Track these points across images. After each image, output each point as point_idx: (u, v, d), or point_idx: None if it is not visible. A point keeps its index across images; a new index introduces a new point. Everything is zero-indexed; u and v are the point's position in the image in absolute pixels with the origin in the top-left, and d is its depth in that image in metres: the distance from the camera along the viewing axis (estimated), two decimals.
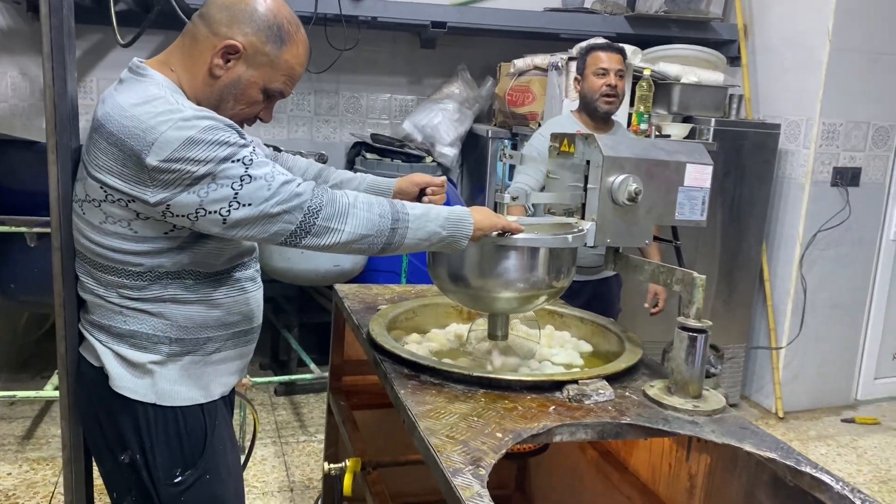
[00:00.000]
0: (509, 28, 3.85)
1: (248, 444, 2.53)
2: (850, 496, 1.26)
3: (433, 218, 1.46)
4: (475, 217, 1.51)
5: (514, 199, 1.70)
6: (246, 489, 2.75)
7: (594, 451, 2.09)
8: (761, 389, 3.86)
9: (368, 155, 3.94)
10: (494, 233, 1.55)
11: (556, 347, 1.93)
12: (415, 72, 4.35)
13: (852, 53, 3.49)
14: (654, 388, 1.62)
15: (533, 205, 2.22)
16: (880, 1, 3.49)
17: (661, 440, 1.84)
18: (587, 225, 1.70)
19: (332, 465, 1.87)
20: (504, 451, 1.33)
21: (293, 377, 3.37)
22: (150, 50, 3.71)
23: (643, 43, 3.70)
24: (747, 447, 1.43)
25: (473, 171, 4.18)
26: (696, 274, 1.62)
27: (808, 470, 1.34)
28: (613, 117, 2.74)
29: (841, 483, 1.30)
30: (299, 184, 1.32)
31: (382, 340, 1.70)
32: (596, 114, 2.64)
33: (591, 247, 1.72)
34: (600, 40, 3.22)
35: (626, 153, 1.72)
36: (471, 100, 4.14)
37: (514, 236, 1.58)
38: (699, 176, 1.91)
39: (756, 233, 3.66)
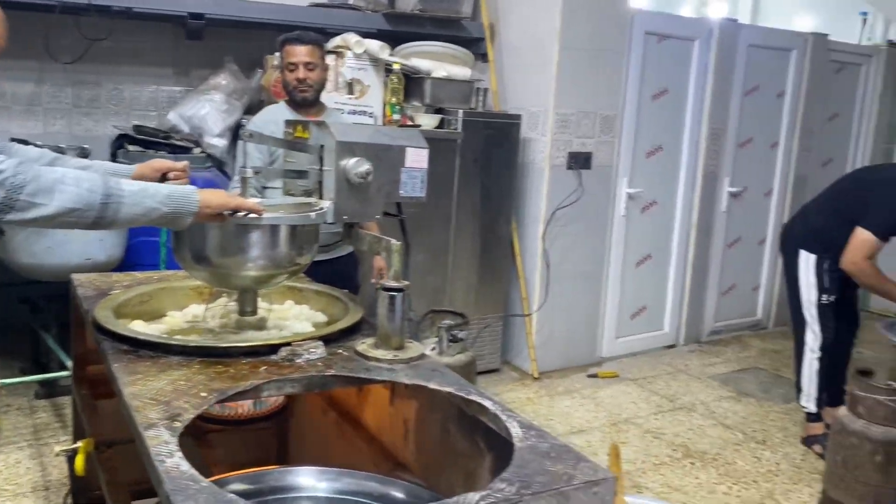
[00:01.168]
0: (272, 21, 3.93)
1: None
2: (500, 413, 1.52)
3: (152, 195, 1.55)
4: (203, 196, 1.62)
5: (253, 173, 1.85)
6: None
7: (334, 412, 2.27)
8: (519, 354, 4.28)
9: (131, 147, 3.87)
10: (241, 213, 1.66)
11: (291, 320, 2.08)
12: (181, 63, 4.30)
13: (578, 51, 3.96)
14: (364, 345, 1.82)
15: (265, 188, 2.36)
16: (600, 4, 3.99)
17: (383, 395, 2.05)
18: (326, 204, 1.87)
19: (62, 448, 1.89)
20: (205, 407, 1.45)
21: (49, 376, 3.26)
22: None
23: (401, 39, 3.95)
24: (432, 385, 1.67)
25: None
26: (393, 242, 1.84)
27: (474, 398, 1.59)
28: (324, 101, 2.98)
29: (495, 405, 1.56)
30: (1, 161, 1.37)
31: (104, 321, 1.75)
32: (297, 101, 2.85)
33: (329, 223, 1.89)
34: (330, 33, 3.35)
35: (356, 138, 1.90)
36: (239, 91, 4.18)
37: (256, 215, 1.70)
38: (418, 158, 2.13)
39: (506, 212, 4.05)
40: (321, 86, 2.90)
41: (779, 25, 5.41)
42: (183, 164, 1.89)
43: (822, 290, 3.37)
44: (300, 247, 1.86)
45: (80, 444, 1.88)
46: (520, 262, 4.17)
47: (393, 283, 1.79)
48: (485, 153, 3.89)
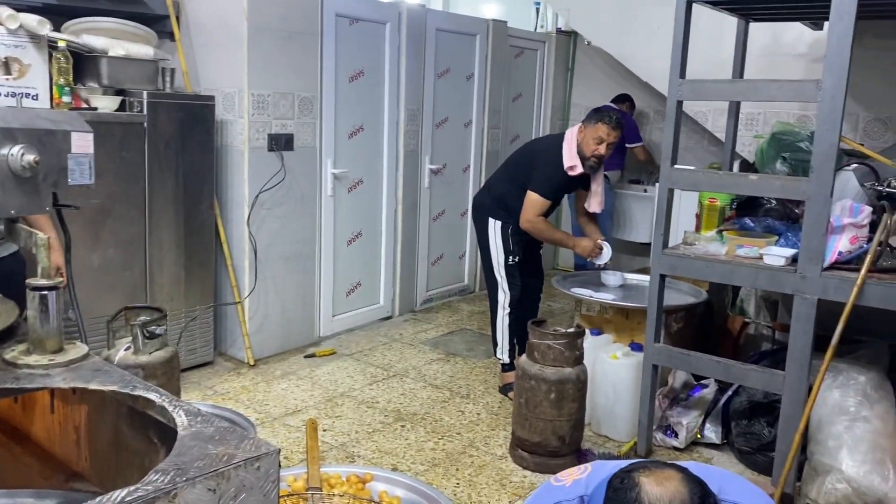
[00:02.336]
0: None
1: None
2: (167, 405, 1.47)
3: None
4: None
5: None
6: None
7: None
8: (234, 343, 4.17)
9: None
10: None
11: None
12: None
13: (269, 32, 3.91)
14: (14, 352, 1.64)
15: None
16: None
17: (45, 402, 1.88)
18: None
19: None
20: None
21: None
22: None
23: (71, 14, 3.58)
24: (93, 385, 1.56)
25: None
26: (41, 235, 1.69)
27: (139, 393, 1.52)
28: None
29: (161, 397, 1.50)
30: None
31: None
32: None
33: None
34: None
35: (15, 124, 1.70)
36: None
37: None
38: (83, 143, 1.96)
39: (207, 198, 3.90)
40: None
41: (468, 13, 5.83)
42: None
43: (508, 252, 3.74)
44: None
45: None
46: (227, 248, 4.04)
47: (43, 282, 1.65)
48: (178, 137, 3.69)
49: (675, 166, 2.98)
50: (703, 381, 3.47)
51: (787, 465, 2.71)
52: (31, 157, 1.69)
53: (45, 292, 1.64)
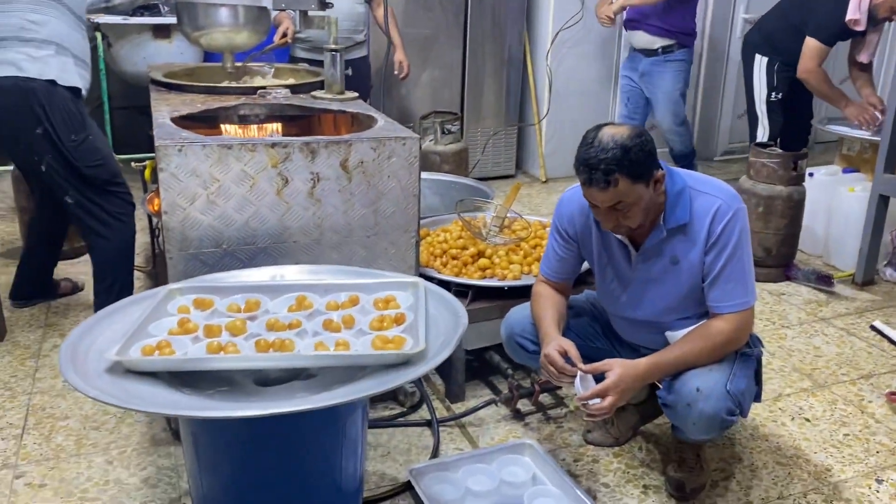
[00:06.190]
0: None
1: None
2: (378, 117, 2.37)
3: None
4: None
5: None
6: None
7: None
8: (533, 163, 5.02)
9: None
10: None
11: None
12: None
13: None
14: (319, 94, 2.69)
15: None
16: None
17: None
18: None
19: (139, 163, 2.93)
20: (195, 110, 2.39)
21: None
22: None
23: None
24: (349, 109, 2.53)
25: None
26: (332, 17, 2.66)
27: (371, 113, 2.44)
28: None
29: (379, 115, 2.40)
30: None
31: (154, 77, 2.73)
32: None
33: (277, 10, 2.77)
34: None
35: None
36: None
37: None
38: None
39: (518, 35, 4.69)
40: None
41: None
42: None
43: (771, 88, 3.86)
44: (250, 24, 2.77)
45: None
46: (532, 79, 4.83)
47: (332, 46, 2.63)
48: None
49: None
50: None
51: None
52: None
53: (334, 54, 2.63)
